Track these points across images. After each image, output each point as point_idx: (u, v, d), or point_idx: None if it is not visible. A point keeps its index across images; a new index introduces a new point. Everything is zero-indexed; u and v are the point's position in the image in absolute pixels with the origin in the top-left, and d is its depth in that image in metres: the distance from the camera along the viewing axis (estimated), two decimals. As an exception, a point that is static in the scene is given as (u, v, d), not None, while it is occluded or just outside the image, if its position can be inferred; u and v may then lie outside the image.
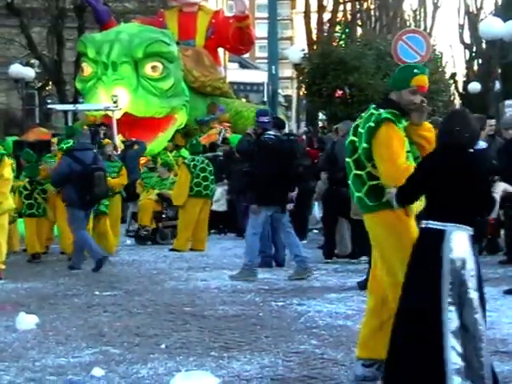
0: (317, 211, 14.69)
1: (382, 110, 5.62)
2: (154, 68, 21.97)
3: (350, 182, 5.84)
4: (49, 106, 25.67)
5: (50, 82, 35.12)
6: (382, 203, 5.62)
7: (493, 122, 13.96)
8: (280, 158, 10.72)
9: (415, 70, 5.82)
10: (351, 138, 5.80)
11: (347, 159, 5.83)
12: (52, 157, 14.20)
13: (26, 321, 7.82)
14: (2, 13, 33.26)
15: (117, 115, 20.68)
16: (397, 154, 5.52)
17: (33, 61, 34.73)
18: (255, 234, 10.76)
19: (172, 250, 13.90)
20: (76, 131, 14.07)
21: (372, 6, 43.68)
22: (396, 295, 5.32)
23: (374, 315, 5.81)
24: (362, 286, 9.72)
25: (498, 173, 12.47)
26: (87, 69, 22.36)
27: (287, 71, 61.69)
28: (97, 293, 9.74)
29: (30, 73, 31.57)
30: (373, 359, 5.76)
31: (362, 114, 5.84)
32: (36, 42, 33.30)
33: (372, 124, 5.59)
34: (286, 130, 15.73)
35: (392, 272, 5.60)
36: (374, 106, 5.76)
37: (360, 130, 5.71)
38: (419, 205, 5.52)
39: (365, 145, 5.62)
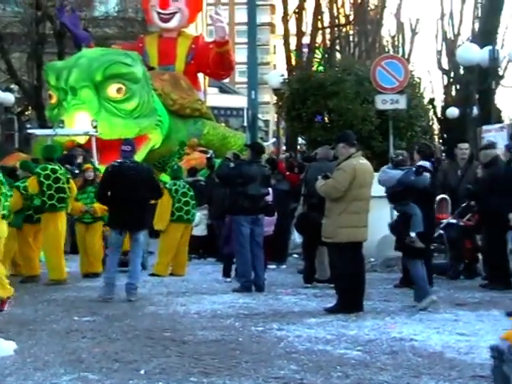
0: (296, 235, 14.71)
1: None
2: (116, 90, 21.95)
3: None
4: (28, 131, 25.57)
5: (30, 107, 35.06)
6: None
7: (465, 145, 14.07)
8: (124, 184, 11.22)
9: None
10: None
11: None
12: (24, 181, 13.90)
13: (4, 347, 7.77)
14: (-19, 38, 33.20)
15: (81, 140, 20.73)
16: None
17: (12, 86, 34.66)
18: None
19: (152, 274, 13.87)
20: (56, 151, 14.06)
21: (351, 32, 43.95)
22: None
23: None
24: (330, 311, 9.76)
25: (474, 198, 12.63)
26: (53, 96, 22.43)
27: (267, 96, 61.89)
28: (76, 318, 9.70)
29: (9, 98, 31.49)
30: None
31: None
32: (16, 67, 33.23)
33: None
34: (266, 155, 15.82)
35: None
36: None
37: None
38: None
39: None
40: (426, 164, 11.11)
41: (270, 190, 12.67)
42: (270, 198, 12.48)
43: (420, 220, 10.25)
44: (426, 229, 10.39)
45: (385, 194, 10.94)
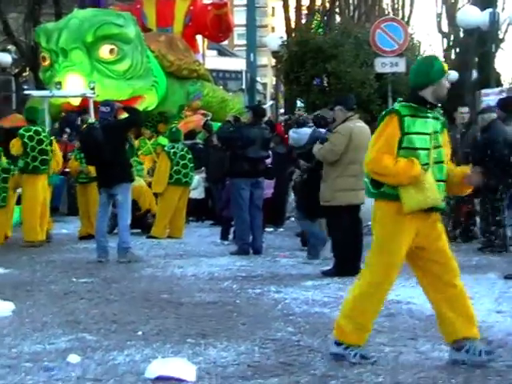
0: (292, 198, 14.71)
1: (398, 104, 5.91)
2: (107, 51, 21.78)
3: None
4: (25, 92, 25.44)
5: (27, 69, 34.87)
6: (379, 192, 5.86)
7: (465, 109, 14.01)
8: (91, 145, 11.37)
9: (438, 59, 6.16)
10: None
11: None
12: None
13: (2, 307, 7.80)
14: (-22, -2, 32.96)
15: (75, 102, 20.61)
16: (377, 144, 5.80)
17: (9, 47, 34.46)
18: None
19: (149, 237, 13.90)
20: (38, 113, 14.03)
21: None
22: (364, 279, 5.90)
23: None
24: (327, 274, 9.78)
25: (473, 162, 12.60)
26: (45, 59, 22.28)
27: (265, 59, 61.60)
28: (74, 280, 9.73)
29: (6, 59, 31.34)
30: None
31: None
32: (13, 28, 33.01)
33: (383, 114, 5.93)
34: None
35: (377, 254, 5.90)
36: (399, 98, 6.07)
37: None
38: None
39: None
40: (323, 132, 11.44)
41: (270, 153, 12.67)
42: (269, 161, 12.48)
43: None
44: None
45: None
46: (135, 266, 10.86)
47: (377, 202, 5.94)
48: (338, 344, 6.01)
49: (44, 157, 13.12)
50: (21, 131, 13.22)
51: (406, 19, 42.92)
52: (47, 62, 22.15)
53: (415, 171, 5.70)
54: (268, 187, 12.84)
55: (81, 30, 21.57)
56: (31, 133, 13.07)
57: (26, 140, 13.01)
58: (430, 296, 6.07)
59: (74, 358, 6.06)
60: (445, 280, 5.96)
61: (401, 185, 5.73)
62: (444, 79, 5.96)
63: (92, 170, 13.13)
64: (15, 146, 13.08)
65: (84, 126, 15.85)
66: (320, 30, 30.04)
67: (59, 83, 20.62)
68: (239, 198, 11.78)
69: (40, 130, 13.33)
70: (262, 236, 12.19)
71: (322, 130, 11.51)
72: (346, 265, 9.71)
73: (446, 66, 6.08)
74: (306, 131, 11.35)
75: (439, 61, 6.11)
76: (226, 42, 45.60)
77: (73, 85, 20.93)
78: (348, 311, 5.98)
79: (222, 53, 55.35)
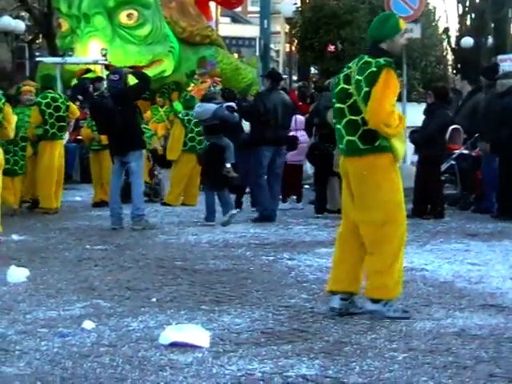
0: (308, 166, 14.67)
1: (379, 59, 6.07)
2: (129, 16, 21.68)
3: (340, 127, 6.26)
4: (37, 59, 25.41)
5: (41, 35, 34.80)
6: (374, 147, 6.10)
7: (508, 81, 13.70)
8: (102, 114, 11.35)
9: (396, 16, 6.53)
10: (342, 85, 6.23)
11: (338, 105, 6.25)
12: (23, 108, 13.43)
13: (17, 274, 7.84)
14: (-9, -36, 32.85)
15: (97, 70, 20.52)
16: (388, 97, 6.05)
17: (23, 13, 34.37)
18: None
19: (164, 204, 13.91)
20: (53, 80, 13.98)
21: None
22: (388, 233, 6.12)
23: (353, 253, 6.35)
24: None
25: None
26: (63, 24, 22.15)
27: (278, 26, 61.25)
28: (88, 247, 9.76)
29: (20, 25, 31.26)
30: (348, 292, 6.33)
31: (350, 64, 6.28)
32: (26, -6, 32.91)
33: (374, 69, 6.04)
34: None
35: (390, 210, 6.16)
36: (366, 55, 6.19)
37: (358, 77, 6.08)
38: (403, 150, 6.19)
39: (366, 89, 6.04)
40: (232, 104, 11.86)
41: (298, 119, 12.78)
42: (303, 137, 12.57)
43: (232, 152, 11.41)
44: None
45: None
46: (149, 233, 10.88)
47: (366, 156, 6.12)
48: (375, 301, 6.18)
49: (61, 123, 13.14)
50: (38, 99, 13.19)
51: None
52: (65, 28, 22.04)
53: (404, 125, 6.19)
54: (300, 153, 12.91)
55: None
56: (48, 100, 13.06)
57: (43, 107, 13.00)
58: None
59: (88, 324, 6.09)
60: None
61: (392, 137, 6.09)
62: (398, 35, 6.27)
63: (104, 137, 13.11)
64: (34, 116, 13.04)
65: (95, 94, 15.85)
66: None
67: (72, 49, 20.57)
68: (259, 165, 11.74)
69: (57, 96, 13.32)
70: (276, 203, 12.17)
71: (233, 104, 11.88)
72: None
73: (402, 23, 6.36)
74: (211, 106, 11.48)
75: (395, 17, 6.45)
76: (239, 9, 45.41)
77: (94, 50, 20.85)
78: (382, 267, 6.16)
79: (236, 20, 55.10)
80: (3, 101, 10.38)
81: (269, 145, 11.67)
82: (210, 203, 11.62)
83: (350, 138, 6.16)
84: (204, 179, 12.03)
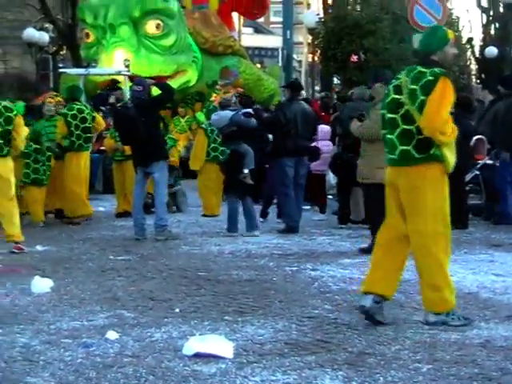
0: (331, 176, 14.64)
1: (433, 68, 6.19)
2: (154, 26, 21.75)
3: (393, 137, 6.34)
4: (61, 71, 25.57)
5: (65, 47, 35.02)
6: (428, 156, 6.20)
7: None
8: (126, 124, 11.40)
9: (443, 28, 6.70)
10: (393, 96, 6.34)
11: (390, 116, 6.34)
12: (48, 120, 13.63)
13: (41, 284, 7.86)
14: (16, -24, 33.13)
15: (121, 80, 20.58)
16: (444, 105, 6.14)
17: (47, 25, 34.59)
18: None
19: (204, 215, 13.92)
20: (79, 91, 14.03)
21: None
22: (438, 244, 6.19)
23: (393, 260, 6.42)
24: (364, 251, 9.73)
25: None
26: (89, 35, 22.24)
27: (300, 36, 61.34)
28: (111, 257, 9.78)
29: (44, 37, 31.45)
30: (381, 296, 6.39)
31: (399, 75, 6.41)
32: (50, 6, 33.12)
33: (431, 78, 6.13)
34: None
35: (439, 220, 6.24)
36: (418, 66, 6.30)
37: (412, 86, 6.18)
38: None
39: (422, 97, 6.12)
40: (249, 110, 12.01)
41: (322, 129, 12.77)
42: (327, 147, 12.55)
43: (252, 158, 11.45)
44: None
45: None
46: (172, 243, 10.89)
47: (420, 166, 6.20)
48: (436, 314, 6.25)
49: (88, 135, 13.20)
50: (63, 110, 13.25)
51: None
52: (91, 39, 22.12)
53: (455, 135, 6.23)
54: (323, 164, 12.89)
55: (128, 5, 21.57)
56: (74, 111, 13.11)
57: (69, 119, 13.04)
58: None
59: (112, 335, 6.09)
60: None
61: (445, 145, 6.18)
62: (448, 46, 6.39)
63: (127, 148, 13.14)
64: (60, 127, 13.09)
65: (118, 105, 15.91)
66: (357, 5, 29.81)
67: (95, 61, 20.66)
68: (284, 176, 11.72)
69: (83, 107, 13.37)
70: (301, 214, 12.14)
71: (249, 110, 11.99)
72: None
73: (450, 33, 6.49)
74: (227, 114, 11.49)
75: (442, 29, 6.59)
76: (262, 20, 45.50)
77: (120, 60, 20.90)
78: (437, 281, 6.24)
79: (258, 30, 55.27)
80: (15, 112, 10.44)
81: (290, 155, 11.66)
82: (232, 213, 11.59)
83: (405, 147, 6.25)
84: (226, 188, 12.02)
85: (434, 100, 6.08)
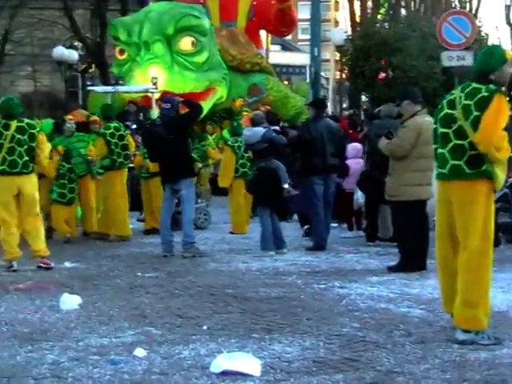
0: (359, 195, 14.55)
1: (489, 85, 6.24)
2: (187, 43, 21.84)
3: (445, 151, 6.36)
4: (89, 88, 25.76)
5: (93, 65, 35.29)
6: (479, 171, 6.24)
7: None
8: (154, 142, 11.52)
9: (500, 47, 6.79)
10: (446, 111, 6.40)
11: (442, 130, 6.39)
12: (80, 136, 13.87)
13: (70, 301, 7.89)
14: (45, -5, 33.46)
15: (156, 96, 20.65)
16: (500, 121, 6.17)
17: (76, 43, 34.89)
18: None
19: (232, 233, 13.93)
20: (112, 109, 14.09)
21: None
22: (482, 261, 6.29)
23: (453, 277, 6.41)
24: (392, 269, 9.68)
25: None
26: (121, 52, 22.34)
27: (328, 53, 61.39)
28: (139, 274, 9.80)
29: (73, 55, 31.74)
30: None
31: (454, 91, 6.48)
32: (79, 25, 33.42)
33: (486, 94, 6.18)
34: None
35: (486, 237, 6.32)
36: (473, 82, 6.35)
37: (467, 102, 6.23)
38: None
39: (477, 113, 6.17)
40: (276, 128, 12.26)
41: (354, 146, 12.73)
42: (358, 165, 12.51)
43: (285, 173, 11.48)
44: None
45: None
46: (200, 260, 10.90)
47: (470, 181, 6.24)
48: (465, 331, 6.24)
49: (126, 152, 13.28)
50: (102, 130, 13.30)
51: (473, 12, 42.31)
52: (124, 56, 22.22)
53: (509, 152, 6.30)
54: (353, 182, 12.88)
55: (161, 22, 21.67)
56: (112, 130, 13.17)
57: (108, 138, 13.11)
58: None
59: (140, 352, 6.10)
60: None
61: (498, 162, 6.22)
62: (506, 65, 6.39)
63: (152, 165, 13.18)
64: (99, 147, 13.14)
65: (148, 122, 16.01)
66: (385, 23, 29.82)
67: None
68: (313, 195, 11.70)
69: (118, 125, 13.43)
70: (328, 232, 12.10)
71: (277, 127, 12.21)
72: (412, 261, 9.61)
73: (508, 53, 6.49)
74: (260, 130, 11.49)
75: (499, 49, 6.62)
76: (289, 37, 45.56)
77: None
78: (474, 298, 6.24)
79: (286, 47, 55.32)
80: (38, 129, 10.52)
81: (318, 173, 11.64)
82: (266, 231, 11.52)
83: (456, 162, 6.28)
84: (259, 206, 11.89)
85: (490, 116, 6.12)
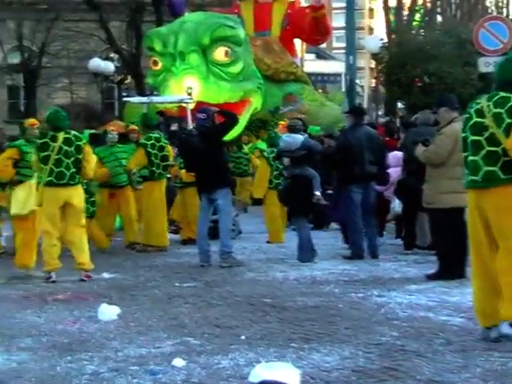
0: (396, 204, 14.44)
1: None
2: (222, 53, 21.88)
3: (478, 158, 6.39)
4: (124, 99, 25.90)
5: (129, 76, 35.51)
6: None
7: None
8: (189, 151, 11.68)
9: None
10: (475, 119, 6.44)
11: (474, 138, 6.43)
12: (125, 147, 13.91)
13: (108, 312, 7.92)
14: (82, 8, 33.76)
15: (191, 106, 20.71)
16: None
17: (112, 55, 35.16)
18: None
19: (268, 242, 13.94)
20: (153, 119, 14.11)
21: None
22: None
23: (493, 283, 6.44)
24: (431, 277, 9.61)
25: None
26: (157, 63, 22.43)
27: (362, 61, 61.27)
28: (177, 284, 9.82)
29: (109, 67, 31.96)
30: None
31: (480, 100, 6.53)
32: (115, 36, 33.68)
33: None
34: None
35: None
36: (499, 91, 6.41)
37: (497, 110, 6.29)
38: None
39: (509, 120, 6.22)
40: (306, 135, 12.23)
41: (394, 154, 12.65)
42: (395, 172, 12.45)
43: (319, 181, 11.49)
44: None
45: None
46: (237, 270, 10.90)
47: (505, 186, 6.28)
48: None
49: (166, 163, 13.29)
50: (143, 140, 13.29)
51: (510, 17, 42.00)
52: (158, 66, 22.31)
53: None
54: (390, 190, 12.81)
55: (197, 32, 21.73)
56: (153, 141, 13.18)
57: (149, 149, 13.12)
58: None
59: (179, 362, 6.10)
60: None
61: None
62: None
63: (186, 175, 13.20)
64: (139, 158, 13.13)
65: (184, 132, 16.03)
66: (421, 30, 29.70)
67: (157, 89, 20.79)
68: (351, 203, 11.65)
69: (159, 136, 13.44)
70: (377, 239, 12.02)
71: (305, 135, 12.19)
72: (451, 268, 9.54)
73: None
74: (299, 137, 11.44)
75: None
76: (324, 45, 45.55)
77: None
78: None
79: (321, 56, 55.32)
80: (84, 140, 10.60)
81: (357, 182, 11.59)
82: (304, 241, 11.45)
83: (490, 168, 6.33)
84: (294, 216, 11.87)
85: None
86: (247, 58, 22.52)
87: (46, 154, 10.26)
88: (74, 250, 10.40)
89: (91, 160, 10.61)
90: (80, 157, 10.36)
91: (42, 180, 10.36)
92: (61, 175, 10.23)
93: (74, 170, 10.29)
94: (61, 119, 10.43)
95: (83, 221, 10.47)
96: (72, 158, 10.29)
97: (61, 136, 10.29)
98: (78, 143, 10.39)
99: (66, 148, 10.28)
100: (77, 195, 10.37)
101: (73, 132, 10.56)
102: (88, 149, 10.58)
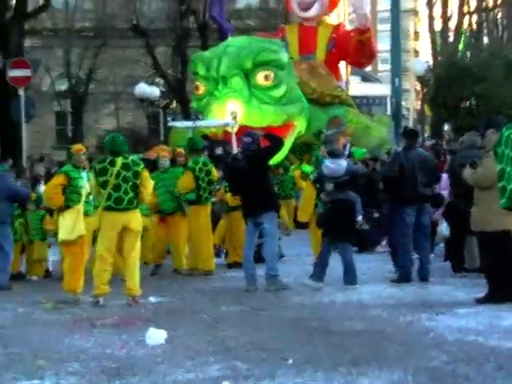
0: (444, 227, 14.28)
1: None
2: (265, 77, 21.92)
3: None
4: (169, 124, 26.06)
5: (174, 101, 35.77)
6: None
7: None
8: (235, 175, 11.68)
9: None
10: None
11: None
12: (173, 171, 13.87)
13: (156, 336, 7.93)
14: (128, 35, 34.18)
15: (234, 130, 20.75)
16: None
17: (157, 80, 35.48)
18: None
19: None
20: (200, 143, 14.12)
21: (499, 15, 42.70)
22: None
23: None
24: (481, 301, 9.48)
25: None
26: (200, 87, 22.55)
27: (407, 84, 61.10)
28: (223, 308, 9.80)
29: (155, 92, 32.24)
30: None
31: None
32: (161, 62, 33.99)
33: None
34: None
35: None
36: None
37: None
38: None
39: None
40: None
41: (444, 176, 12.53)
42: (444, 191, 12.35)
43: (360, 205, 11.44)
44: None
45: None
46: (283, 293, 10.86)
47: None
48: None
49: (211, 187, 13.31)
50: (191, 164, 13.30)
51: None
52: (201, 91, 22.43)
53: None
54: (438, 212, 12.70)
55: (240, 56, 21.83)
56: (200, 164, 13.22)
57: (197, 173, 13.12)
58: None
59: (226, 386, 6.09)
60: None
61: None
62: None
63: (230, 198, 13.19)
64: (187, 181, 13.14)
65: (229, 156, 16.05)
66: (467, 52, 29.55)
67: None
68: (403, 224, 11.57)
69: (206, 160, 13.49)
70: (429, 264, 11.90)
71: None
72: (501, 291, 9.41)
73: None
74: (343, 163, 11.36)
75: None
76: (369, 68, 45.54)
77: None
78: None
79: (366, 78, 55.26)
80: (142, 166, 10.66)
81: (410, 204, 11.51)
82: (349, 264, 11.35)
83: None
84: (337, 241, 11.73)
85: None
86: (290, 82, 22.54)
87: (104, 178, 10.36)
88: (126, 273, 10.47)
89: (148, 185, 10.68)
90: (137, 182, 10.44)
91: (100, 204, 10.46)
92: (119, 200, 10.32)
93: (132, 194, 10.37)
94: (119, 144, 10.52)
95: (139, 245, 10.53)
96: (130, 183, 10.37)
97: (119, 161, 10.38)
98: (136, 169, 10.47)
99: (124, 173, 10.37)
100: (135, 220, 10.45)
101: (131, 157, 10.65)
102: (145, 174, 10.65)
